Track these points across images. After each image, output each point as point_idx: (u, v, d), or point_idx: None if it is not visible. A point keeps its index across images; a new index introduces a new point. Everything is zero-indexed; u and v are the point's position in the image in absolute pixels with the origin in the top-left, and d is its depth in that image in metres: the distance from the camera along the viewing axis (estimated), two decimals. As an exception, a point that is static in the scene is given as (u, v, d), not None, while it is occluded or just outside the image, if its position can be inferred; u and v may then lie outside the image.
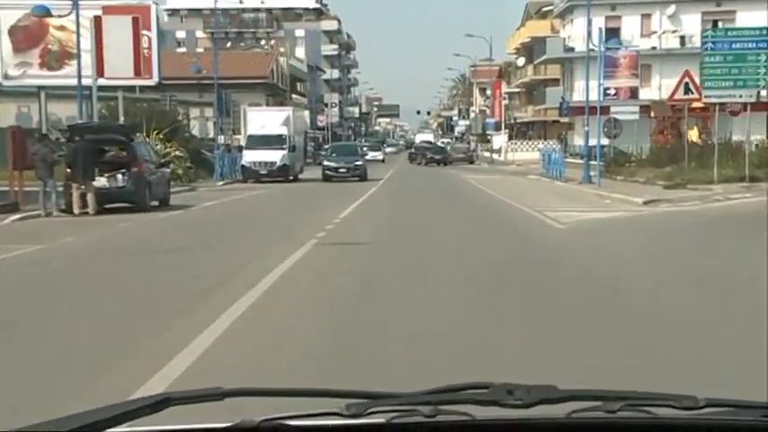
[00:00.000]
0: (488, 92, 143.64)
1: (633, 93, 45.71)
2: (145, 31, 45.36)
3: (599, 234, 19.63)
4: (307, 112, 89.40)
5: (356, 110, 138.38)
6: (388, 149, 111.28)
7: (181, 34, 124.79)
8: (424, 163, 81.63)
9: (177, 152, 46.14)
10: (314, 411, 1.84)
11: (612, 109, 58.86)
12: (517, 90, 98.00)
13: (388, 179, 48.59)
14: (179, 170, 45.68)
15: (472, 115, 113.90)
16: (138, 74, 39.40)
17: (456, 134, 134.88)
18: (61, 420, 1.78)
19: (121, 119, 46.01)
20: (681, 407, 1.83)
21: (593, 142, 66.24)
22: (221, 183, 47.84)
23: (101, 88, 48.70)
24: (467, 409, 1.83)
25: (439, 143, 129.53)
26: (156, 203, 28.53)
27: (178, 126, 51.78)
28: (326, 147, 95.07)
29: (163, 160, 44.95)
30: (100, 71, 37.99)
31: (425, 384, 1.98)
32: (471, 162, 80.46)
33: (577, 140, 69.52)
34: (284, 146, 49.41)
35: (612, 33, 73.99)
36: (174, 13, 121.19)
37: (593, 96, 76.68)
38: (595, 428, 1.85)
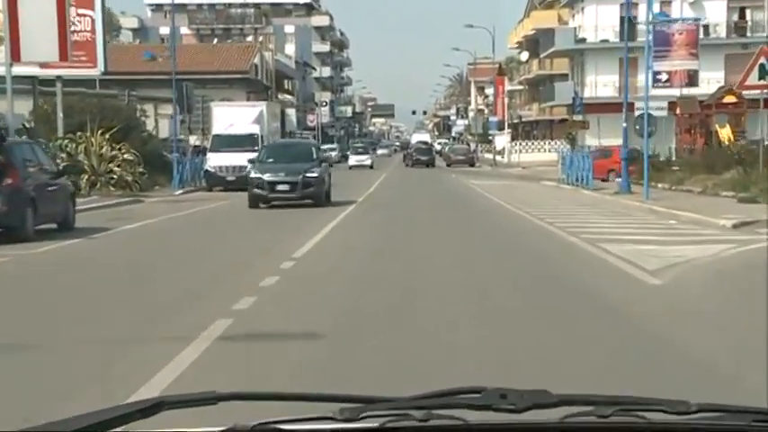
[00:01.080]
0: (486, 91, 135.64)
1: (692, 78, 36.68)
2: (84, 11, 36.96)
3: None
4: (292, 111, 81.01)
5: (348, 109, 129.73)
6: (381, 151, 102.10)
7: (164, 30, 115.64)
8: (410, 164, 74.03)
9: (127, 155, 37.70)
10: (307, 416, 1.80)
11: (637, 104, 50.89)
12: (519, 87, 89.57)
13: (368, 198, 33.75)
14: (127, 176, 37.29)
15: (471, 114, 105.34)
16: (64, 58, 30.90)
17: (454, 134, 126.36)
18: (54, 424, 1.74)
19: (60, 115, 37.92)
20: (673, 411, 1.80)
21: (606, 142, 58.68)
22: (180, 191, 39.45)
23: (43, 81, 40.85)
24: (460, 414, 1.79)
25: (436, 144, 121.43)
26: (52, 226, 20.17)
27: (134, 125, 43.34)
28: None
29: (111, 165, 37.57)
30: (15, 54, 29.58)
31: (419, 389, 1.94)
32: (472, 165, 72.10)
33: (590, 140, 61.22)
34: (255, 147, 40.97)
35: (628, 23, 65.62)
36: (157, 8, 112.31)
37: (607, 92, 68.46)
38: None
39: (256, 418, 1.81)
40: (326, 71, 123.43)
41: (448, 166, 72.56)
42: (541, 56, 74.91)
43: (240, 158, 40.55)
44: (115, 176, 37.15)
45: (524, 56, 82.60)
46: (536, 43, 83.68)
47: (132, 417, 1.79)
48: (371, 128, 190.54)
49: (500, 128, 74.46)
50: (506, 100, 76.78)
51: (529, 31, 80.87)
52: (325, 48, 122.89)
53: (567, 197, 32.34)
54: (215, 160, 40.50)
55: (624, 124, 32.31)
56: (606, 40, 66.42)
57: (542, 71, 79.87)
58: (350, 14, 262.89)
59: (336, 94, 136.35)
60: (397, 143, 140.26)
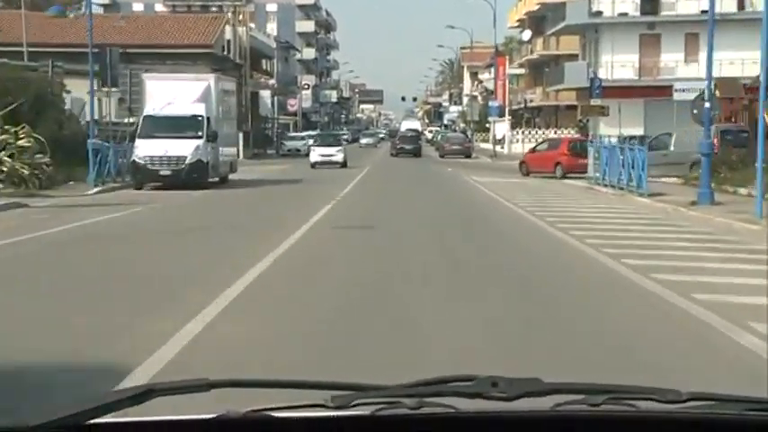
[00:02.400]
0: (480, 76, 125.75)
1: None
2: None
3: None
4: (267, 93, 71.07)
5: (333, 94, 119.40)
6: (364, 141, 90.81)
7: (138, 7, 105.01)
8: (395, 154, 65.24)
9: (23, 141, 27.92)
10: (299, 403, 1.78)
11: (677, 86, 41.20)
12: (519, 72, 79.56)
13: (316, 227, 17.92)
14: (23, 170, 27.54)
15: (466, 100, 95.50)
16: None
17: (446, 122, 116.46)
18: (42, 411, 1.70)
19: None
20: (664, 400, 1.79)
21: (626, 131, 48.87)
22: (95, 189, 29.67)
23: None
24: (451, 402, 1.77)
25: (426, 132, 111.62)
26: None
27: (47, 102, 33.50)
28: (292, 135, 77.50)
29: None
30: None
31: (411, 377, 1.91)
32: (468, 156, 62.31)
33: (605, 129, 51.49)
34: (199, 132, 31.21)
35: (651, -7, 56.16)
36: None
37: (625, 74, 58.79)
38: (579, 421, 1.81)
39: (248, 405, 1.76)
40: (311, 53, 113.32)
41: (441, 157, 62.85)
42: (548, 33, 65.09)
43: (179, 146, 30.87)
44: (5, 169, 27.39)
45: (526, 35, 72.81)
46: (540, 21, 73.86)
47: (123, 404, 1.75)
48: (359, 115, 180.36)
49: (501, 114, 64.67)
50: (508, 82, 66.92)
51: (533, 7, 71.13)
52: (310, 26, 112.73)
53: (624, 209, 22.66)
54: (145, 149, 30.65)
55: (707, 104, 22.34)
56: (625, 14, 56.74)
57: (547, 51, 70.15)
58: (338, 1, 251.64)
59: (322, 79, 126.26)
60: (383, 131, 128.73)
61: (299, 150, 66.86)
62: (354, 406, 1.77)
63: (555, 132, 66.23)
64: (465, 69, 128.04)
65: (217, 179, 33.16)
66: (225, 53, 68.08)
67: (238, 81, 68.64)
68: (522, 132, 65.49)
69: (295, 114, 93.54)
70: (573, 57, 63.34)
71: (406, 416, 1.77)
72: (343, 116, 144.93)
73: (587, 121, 59.96)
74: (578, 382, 1.87)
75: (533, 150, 43.70)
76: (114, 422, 1.78)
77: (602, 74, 56.76)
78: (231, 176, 35.65)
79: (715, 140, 27.87)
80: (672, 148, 34.77)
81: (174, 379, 1.91)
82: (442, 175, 41.95)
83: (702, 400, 1.85)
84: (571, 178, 36.26)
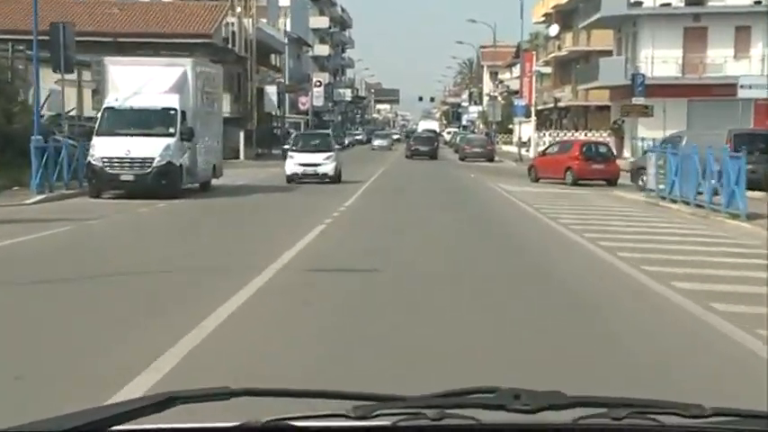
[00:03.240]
0: (501, 76, 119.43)
1: None
2: None
3: None
4: (273, 89, 65.04)
5: (348, 92, 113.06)
6: (378, 142, 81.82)
7: None
8: (409, 155, 59.56)
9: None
10: (320, 413, 1.75)
11: (743, 81, 34.87)
12: (546, 70, 73.08)
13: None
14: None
15: (486, 100, 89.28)
16: None
17: (465, 123, 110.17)
18: (64, 418, 1.68)
19: None
20: (687, 415, 1.76)
21: (671, 134, 42.25)
22: (37, 198, 23.68)
23: None
24: (473, 414, 1.74)
25: (445, 133, 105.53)
26: None
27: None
28: (299, 133, 71.30)
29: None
30: None
31: (433, 388, 1.89)
32: (491, 159, 56.16)
33: (645, 132, 45.26)
34: (171, 129, 25.14)
35: (698, -19, 49.92)
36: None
37: (668, 70, 52.11)
38: None
39: (268, 414, 1.74)
40: (324, 50, 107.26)
41: (461, 160, 56.72)
42: (580, 26, 58.74)
43: (145, 146, 24.91)
44: None
45: (554, 29, 66.51)
46: (569, 15, 67.64)
47: (144, 411, 1.73)
48: (375, 115, 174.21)
49: (527, 114, 58.38)
50: (535, 80, 60.67)
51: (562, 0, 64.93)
52: (324, 22, 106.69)
53: (722, 237, 16.41)
54: (103, 148, 24.58)
55: None
56: (668, 4, 50.42)
57: (577, 47, 63.84)
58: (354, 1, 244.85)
59: (336, 77, 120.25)
60: (397, 132, 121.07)
61: (307, 151, 60.84)
62: (375, 416, 1.72)
63: (585, 134, 60.01)
64: (485, 69, 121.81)
65: (195, 185, 27.17)
66: (229, 45, 62.14)
67: (242, 74, 62.83)
68: (550, 134, 59.26)
69: (307, 113, 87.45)
70: (605, 53, 56.99)
71: (427, 427, 1.74)
72: (357, 116, 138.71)
73: (623, 122, 53.76)
74: (601, 396, 1.82)
75: (543, 153, 37.99)
76: (135, 429, 1.74)
77: (641, 70, 50.54)
78: (216, 181, 29.65)
79: None
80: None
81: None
82: (464, 182, 35.83)
83: (726, 415, 1.78)
84: (588, 186, 30.57)
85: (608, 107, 58.75)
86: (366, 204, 24.19)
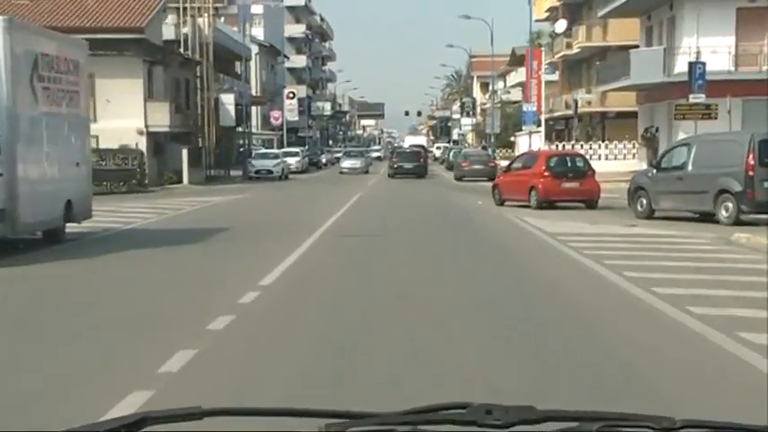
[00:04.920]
0: (491, 87, 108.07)
1: None
2: None
3: None
4: (230, 98, 53.38)
5: (327, 106, 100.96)
6: (347, 165, 58.43)
7: None
8: (392, 174, 48.95)
9: None
10: (293, 430, 1.73)
11: None
12: (549, 77, 61.34)
13: None
14: None
15: (487, 108, 77.69)
16: None
17: (455, 137, 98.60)
18: None
19: None
20: (659, 428, 1.71)
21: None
22: None
23: None
24: (445, 429, 1.70)
25: (434, 149, 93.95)
26: None
27: None
28: (262, 152, 59.61)
29: None
30: None
31: (405, 404, 1.87)
32: (492, 178, 44.44)
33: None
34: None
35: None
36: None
37: (718, 63, 39.99)
38: None
39: None
40: (301, 60, 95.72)
41: (458, 180, 45.21)
42: (599, 15, 47.18)
43: None
44: None
45: (561, 25, 55.06)
46: (579, 8, 56.39)
47: None
48: (359, 131, 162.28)
49: (538, 123, 46.70)
50: (544, 81, 49.04)
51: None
52: (300, 30, 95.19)
53: None
54: None
55: None
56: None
57: (590, 43, 52.43)
58: (337, 15, 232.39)
59: (316, 91, 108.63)
60: (378, 149, 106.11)
61: (270, 172, 49.16)
62: None
63: (600, 146, 48.59)
64: (474, 80, 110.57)
65: (35, 234, 15.57)
66: (182, 50, 50.46)
67: (190, 81, 51.12)
68: (563, 147, 47.71)
69: (278, 128, 75.81)
70: (626, 48, 45.52)
71: None
72: (339, 132, 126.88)
73: (656, 130, 42.33)
74: (573, 410, 1.77)
75: (507, 169, 29.31)
76: None
77: (682, 64, 39.12)
78: (79, 227, 17.98)
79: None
80: (690, 168, 21.29)
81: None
82: (471, 216, 24.20)
83: (697, 427, 1.76)
84: (563, 208, 19.67)
85: (632, 113, 47.32)
86: (306, 283, 12.52)
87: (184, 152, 42.30)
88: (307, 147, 76.78)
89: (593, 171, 27.05)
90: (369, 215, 23.76)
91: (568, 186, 25.72)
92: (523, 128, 47.52)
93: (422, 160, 53.01)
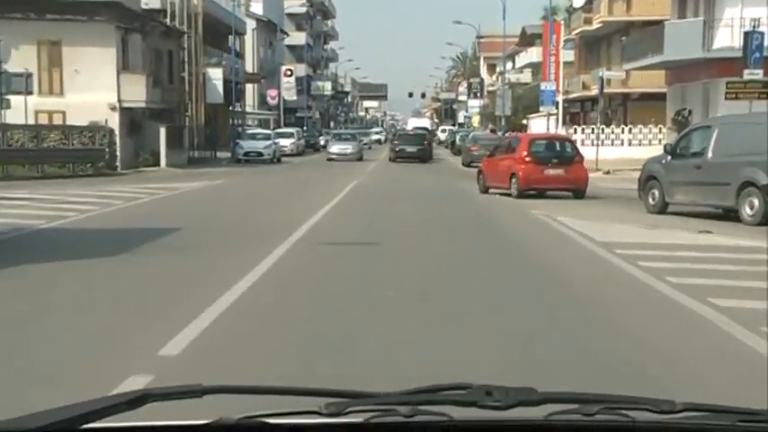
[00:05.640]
0: (503, 66, 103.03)
1: None
2: None
3: None
4: (218, 72, 48.58)
5: (328, 86, 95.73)
6: (337, 149, 49.22)
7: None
8: (393, 158, 46.31)
9: None
10: (293, 410, 1.68)
11: None
12: (568, 58, 56.22)
13: None
14: None
15: (496, 88, 72.80)
16: None
17: (461, 120, 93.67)
18: (36, 416, 1.60)
19: None
20: (658, 410, 1.71)
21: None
22: None
23: None
24: (445, 410, 1.68)
25: (439, 132, 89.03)
26: None
27: None
28: (252, 132, 54.68)
29: None
30: None
31: (405, 385, 1.83)
32: (505, 163, 39.71)
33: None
34: None
35: None
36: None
37: None
38: (572, 431, 1.74)
39: (242, 411, 1.68)
40: (301, 38, 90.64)
41: (466, 165, 40.48)
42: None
43: None
44: None
45: (579, -1, 50.04)
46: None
47: (117, 408, 1.66)
48: (362, 113, 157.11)
49: (556, 104, 41.77)
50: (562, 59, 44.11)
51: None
52: (301, 7, 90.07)
53: None
54: None
55: None
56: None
57: (612, 17, 47.51)
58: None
59: (317, 71, 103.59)
60: (378, 131, 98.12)
61: (260, 154, 44.35)
62: (348, 413, 1.67)
63: (623, 131, 43.79)
64: (482, 61, 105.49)
65: None
66: (167, 20, 45.74)
67: (174, 53, 46.22)
68: (582, 131, 42.93)
69: (274, 108, 70.98)
70: (652, 23, 40.57)
71: (399, 423, 1.69)
72: (341, 114, 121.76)
73: (689, 113, 37.49)
74: (573, 392, 1.77)
75: (492, 154, 26.67)
76: (108, 427, 1.68)
77: (723, 39, 34.26)
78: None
79: None
80: (710, 155, 18.01)
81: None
82: (489, 210, 19.48)
83: (697, 410, 1.77)
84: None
85: (658, 95, 42.44)
86: (243, 357, 7.85)
87: (162, 131, 37.47)
88: (305, 128, 71.92)
89: (582, 157, 24.38)
90: (364, 211, 19.00)
91: (552, 173, 23.13)
92: (541, 109, 42.60)
93: (426, 143, 48.47)
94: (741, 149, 16.93)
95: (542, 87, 41.00)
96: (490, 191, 24.46)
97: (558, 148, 24.31)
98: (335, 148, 48.99)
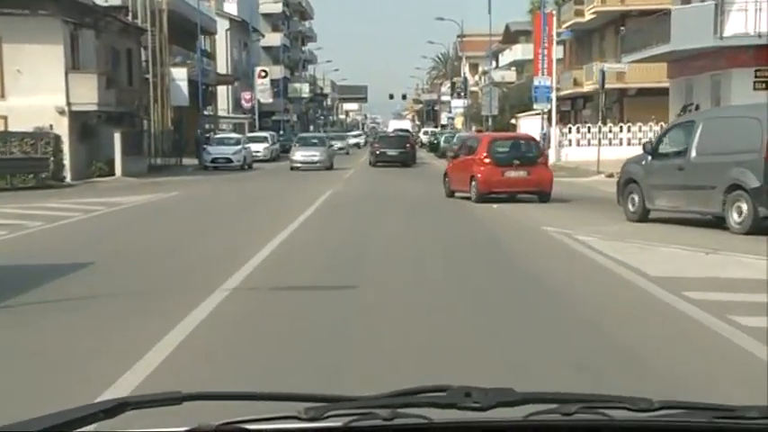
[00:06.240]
0: (482, 68, 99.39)
1: None
2: None
3: None
4: (182, 72, 44.65)
5: (305, 88, 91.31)
6: (301, 155, 40.74)
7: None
8: (373, 162, 43.01)
9: None
10: (272, 415, 1.66)
11: None
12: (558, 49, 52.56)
13: None
14: None
15: (480, 88, 69.22)
16: None
17: (444, 121, 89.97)
18: (12, 426, 1.58)
19: None
20: (636, 409, 1.71)
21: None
22: None
23: None
24: (424, 412, 1.66)
25: (421, 134, 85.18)
26: None
27: None
28: (220, 137, 50.64)
29: None
30: None
31: (385, 387, 1.82)
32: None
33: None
34: None
35: None
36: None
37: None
38: (551, 430, 1.75)
39: (221, 417, 1.65)
40: (276, 39, 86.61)
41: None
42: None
43: None
44: None
45: (569, -10, 46.41)
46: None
47: (96, 417, 1.64)
48: (342, 116, 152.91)
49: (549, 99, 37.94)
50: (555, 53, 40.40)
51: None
52: (276, 3, 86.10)
53: None
54: None
55: None
56: None
57: (605, 7, 43.91)
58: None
59: (295, 73, 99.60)
60: (357, 134, 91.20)
61: (229, 161, 40.44)
62: (327, 417, 1.65)
63: (621, 129, 40.19)
64: (464, 61, 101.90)
65: None
66: (134, 20, 41.95)
67: (133, 51, 42.24)
68: (578, 130, 39.24)
69: (249, 112, 67.10)
70: (650, 13, 36.93)
71: (379, 427, 1.67)
72: (320, 117, 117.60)
73: (697, 108, 33.89)
74: (552, 392, 1.75)
75: (455, 156, 25.81)
76: None
77: (736, 24, 30.64)
78: None
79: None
80: (693, 155, 15.64)
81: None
82: (492, 229, 15.72)
83: (673, 408, 1.75)
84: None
85: (658, 90, 38.84)
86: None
87: (117, 136, 33.49)
88: (282, 132, 68.00)
89: (546, 158, 23.65)
90: (337, 232, 15.21)
91: (514, 176, 21.66)
92: (535, 106, 38.88)
93: (408, 146, 44.85)
94: (727, 148, 14.67)
95: (536, 83, 37.26)
96: (456, 194, 22.99)
97: (520, 149, 22.75)
98: (299, 154, 40.61)
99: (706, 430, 1.73)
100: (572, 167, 35.44)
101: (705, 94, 33.38)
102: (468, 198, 21.72)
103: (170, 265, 11.31)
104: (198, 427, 1.62)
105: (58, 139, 30.12)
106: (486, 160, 21.81)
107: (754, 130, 14.26)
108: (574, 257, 11.88)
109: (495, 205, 20.34)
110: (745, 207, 14.25)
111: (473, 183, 21.87)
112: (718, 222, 14.91)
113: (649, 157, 16.96)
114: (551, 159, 38.16)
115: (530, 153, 22.56)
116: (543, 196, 21.62)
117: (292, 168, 39.23)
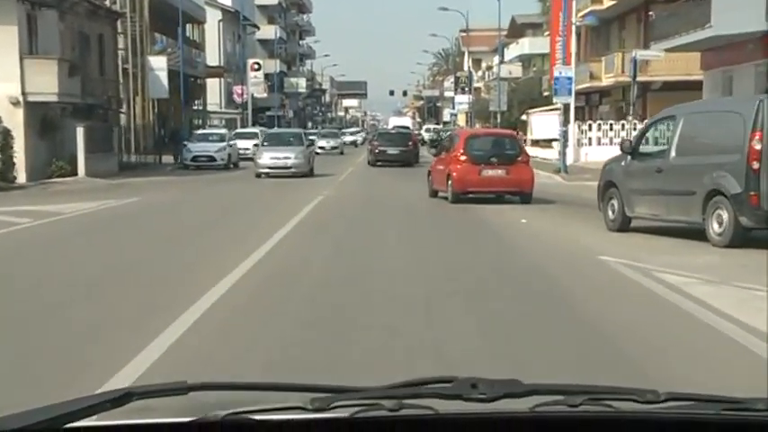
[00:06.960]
0: (484, 64, 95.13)
1: None
2: None
3: None
4: (162, 60, 40.38)
5: (302, 82, 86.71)
6: (268, 159, 30.39)
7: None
8: (372, 161, 39.64)
9: None
10: (278, 405, 1.64)
11: None
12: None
13: None
14: None
15: (488, 80, 64.90)
16: None
17: (447, 118, 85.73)
18: (19, 416, 1.55)
19: None
20: (642, 401, 1.70)
21: None
22: None
23: None
24: (430, 404, 1.64)
25: (423, 131, 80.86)
26: None
27: None
28: (202, 133, 46.33)
29: None
30: None
31: (390, 378, 1.78)
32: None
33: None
34: None
35: None
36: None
37: None
38: (558, 422, 1.72)
39: (227, 407, 1.63)
40: (271, 31, 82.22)
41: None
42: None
43: None
44: None
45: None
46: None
47: (101, 407, 1.63)
48: (341, 113, 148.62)
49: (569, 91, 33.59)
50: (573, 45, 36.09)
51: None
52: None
53: None
54: None
55: None
56: None
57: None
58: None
59: (291, 67, 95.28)
60: (354, 131, 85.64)
61: (212, 159, 36.14)
62: (333, 408, 1.64)
63: (637, 126, 35.95)
64: (466, 55, 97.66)
65: None
66: (112, 3, 37.86)
67: (106, 37, 37.93)
68: (599, 127, 35.01)
69: (241, 106, 62.91)
70: (670, 1, 32.65)
71: (384, 418, 1.66)
72: (318, 114, 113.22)
73: None
74: (558, 383, 1.74)
75: (438, 154, 24.38)
76: (92, 426, 1.63)
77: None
78: None
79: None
80: (672, 155, 13.45)
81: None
82: (529, 255, 11.46)
83: (681, 400, 1.74)
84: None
85: (687, 84, 34.55)
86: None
87: (80, 131, 29.17)
88: (277, 128, 63.70)
89: (527, 156, 21.89)
90: (324, 254, 11.05)
91: (492, 175, 20.43)
92: (555, 100, 34.53)
93: (410, 144, 40.71)
94: (709, 148, 12.94)
95: (556, 74, 32.92)
96: (439, 194, 21.66)
97: (498, 146, 21.41)
98: (267, 157, 30.59)
99: (713, 422, 1.69)
100: (596, 169, 31.19)
101: (748, 87, 29.08)
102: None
103: (78, 315, 7.08)
104: (204, 418, 1.61)
105: (7, 133, 25.93)
106: (463, 158, 20.50)
107: (736, 128, 12.29)
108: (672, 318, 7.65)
109: (523, 219, 16.12)
110: (725, 216, 12.38)
111: (449, 182, 20.48)
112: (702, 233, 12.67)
113: (628, 157, 14.69)
114: (569, 160, 34.01)
115: (509, 151, 21.29)
116: (524, 197, 20.39)
117: (258, 176, 30.13)
